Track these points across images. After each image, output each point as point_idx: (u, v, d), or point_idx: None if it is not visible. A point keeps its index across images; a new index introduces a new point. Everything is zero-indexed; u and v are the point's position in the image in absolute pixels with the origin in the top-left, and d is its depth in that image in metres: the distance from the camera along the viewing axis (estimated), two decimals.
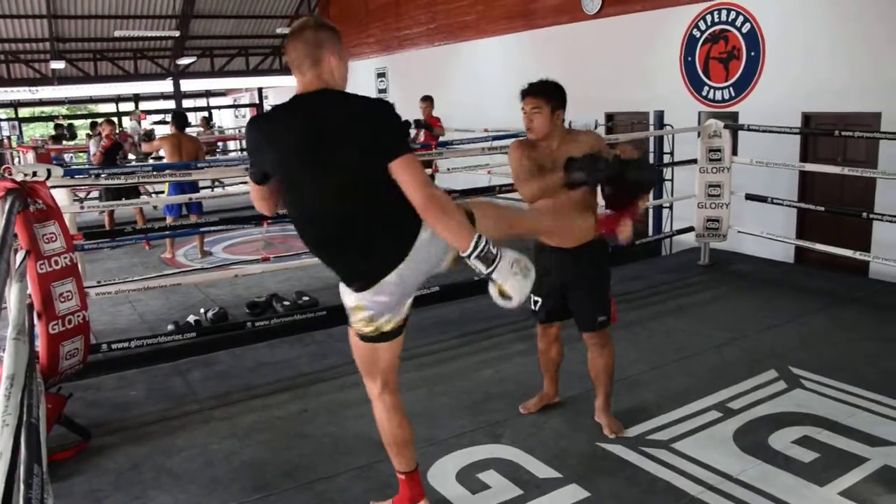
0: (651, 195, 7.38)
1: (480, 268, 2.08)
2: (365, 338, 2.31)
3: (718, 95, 7.92)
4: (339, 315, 4.75)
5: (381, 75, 14.38)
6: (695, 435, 3.16)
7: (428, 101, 8.99)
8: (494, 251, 2.08)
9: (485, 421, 3.34)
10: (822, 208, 6.01)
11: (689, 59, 8.13)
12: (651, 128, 7.34)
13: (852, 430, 3.15)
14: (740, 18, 7.50)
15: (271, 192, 2.25)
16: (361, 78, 14.82)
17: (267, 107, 25.57)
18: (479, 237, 2.06)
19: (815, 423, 3.23)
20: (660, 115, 7.25)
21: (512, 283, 2.11)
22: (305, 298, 5.50)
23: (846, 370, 3.81)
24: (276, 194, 2.26)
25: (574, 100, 10.19)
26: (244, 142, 2.03)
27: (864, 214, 5.62)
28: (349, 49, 14.92)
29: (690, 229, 6.32)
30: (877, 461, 2.90)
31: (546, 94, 3.00)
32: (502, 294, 2.13)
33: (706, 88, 8.03)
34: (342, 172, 2.04)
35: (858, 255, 5.45)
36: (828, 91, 6.83)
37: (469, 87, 10.96)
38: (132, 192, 8.05)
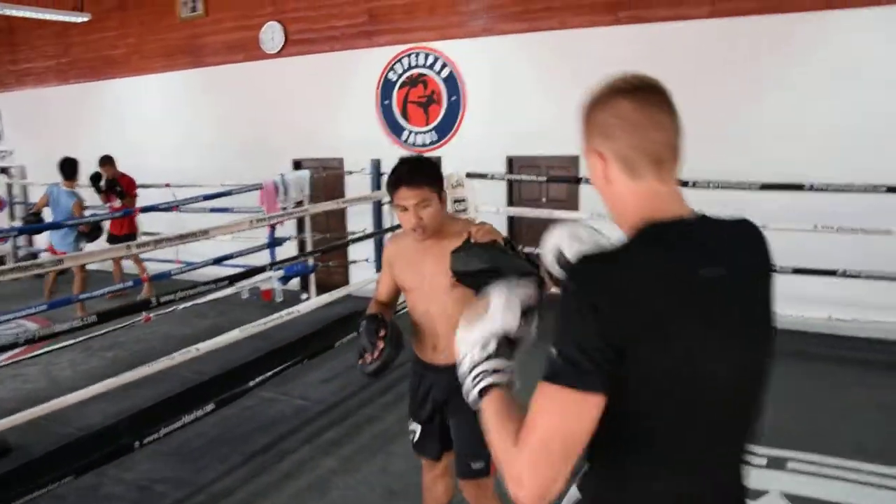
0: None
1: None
2: None
3: (420, 139, 7.77)
4: None
5: None
6: None
7: (108, 162, 7.49)
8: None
9: None
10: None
11: (387, 102, 7.86)
12: (369, 177, 6.85)
13: None
14: (439, 63, 7.45)
15: None
16: None
17: None
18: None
19: None
20: (376, 164, 6.83)
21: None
22: None
23: None
24: None
25: (257, 146, 9.27)
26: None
27: None
28: None
29: None
30: None
31: (430, 179, 2.35)
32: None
33: (406, 132, 7.84)
34: None
35: None
36: (528, 135, 7.06)
37: (122, 132, 9.32)
38: None
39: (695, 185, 5.14)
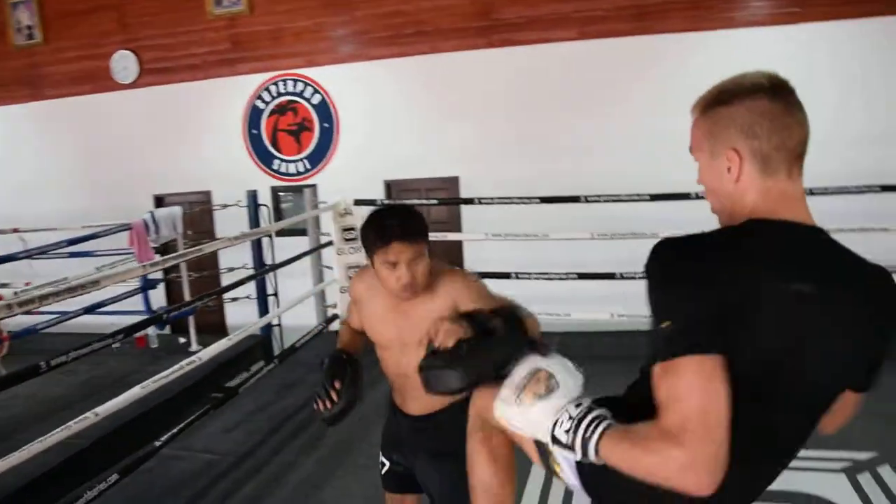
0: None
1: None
2: None
3: (292, 168, 7.55)
4: None
5: None
6: None
7: None
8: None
9: None
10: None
11: (255, 131, 7.58)
12: (246, 210, 6.53)
13: None
14: (309, 90, 7.28)
15: None
16: None
17: None
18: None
19: None
20: (254, 196, 6.54)
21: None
22: None
23: None
24: None
25: (115, 183, 8.68)
26: None
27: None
28: None
29: (336, 317, 5.81)
30: None
31: (424, 233, 2.09)
32: None
33: (277, 162, 7.59)
34: None
35: None
36: (406, 158, 7.06)
37: None
38: None
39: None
